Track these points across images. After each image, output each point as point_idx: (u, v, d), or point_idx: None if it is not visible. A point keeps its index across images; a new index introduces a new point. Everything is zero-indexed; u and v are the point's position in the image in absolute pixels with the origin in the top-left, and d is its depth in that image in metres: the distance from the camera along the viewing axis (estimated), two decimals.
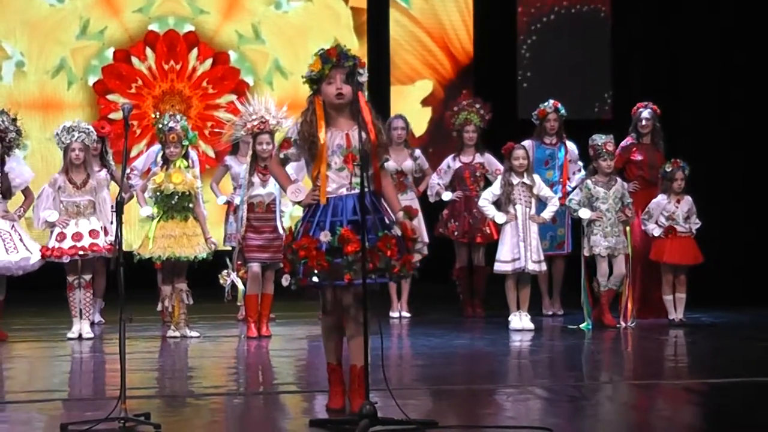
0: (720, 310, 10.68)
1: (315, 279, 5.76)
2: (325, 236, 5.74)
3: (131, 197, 9.84)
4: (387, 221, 5.86)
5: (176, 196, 9.10)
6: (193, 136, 9.38)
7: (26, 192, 9.36)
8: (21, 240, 9.10)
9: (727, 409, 6.18)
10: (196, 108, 13.40)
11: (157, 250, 9.06)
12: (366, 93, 6.05)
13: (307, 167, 6.02)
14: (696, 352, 8.68)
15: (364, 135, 5.73)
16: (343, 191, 5.85)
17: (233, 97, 12.82)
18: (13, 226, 9.15)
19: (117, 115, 12.87)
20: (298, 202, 5.96)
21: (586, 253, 9.78)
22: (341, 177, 5.87)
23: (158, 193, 9.12)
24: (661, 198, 9.96)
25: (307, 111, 5.96)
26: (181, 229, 9.11)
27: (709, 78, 12.30)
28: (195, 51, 13.43)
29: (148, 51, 13.36)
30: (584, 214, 9.74)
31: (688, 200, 9.97)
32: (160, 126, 9.20)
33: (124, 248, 5.78)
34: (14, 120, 9.29)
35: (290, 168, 6.23)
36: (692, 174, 9.98)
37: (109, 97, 13.25)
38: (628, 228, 9.83)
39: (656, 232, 9.92)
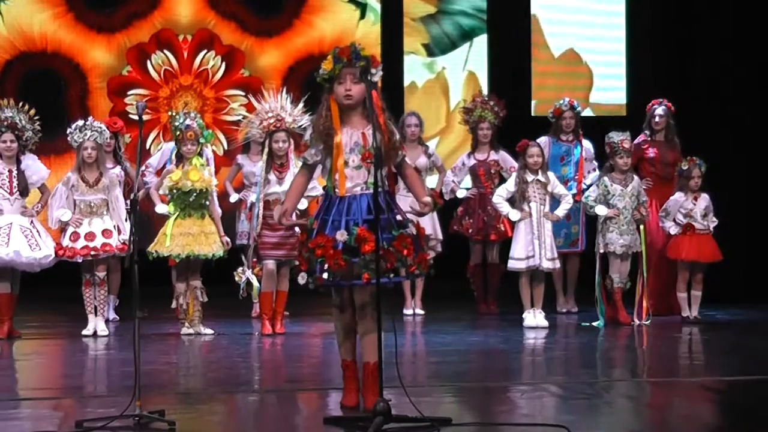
0: (735, 308, 10.65)
1: (333, 278, 5.77)
2: (341, 235, 5.74)
3: (146, 193, 9.87)
4: (401, 219, 5.85)
5: (193, 194, 9.11)
6: (209, 134, 9.39)
7: (42, 188, 9.42)
8: (40, 235, 9.17)
9: (744, 407, 6.16)
10: (211, 105, 13.41)
11: (176, 248, 9.06)
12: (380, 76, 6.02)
13: (322, 165, 6.01)
14: (711, 350, 8.66)
15: (378, 135, 5.74)
16: (358, 190, 5.86)
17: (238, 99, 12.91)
18: (31, 221, 9.22)
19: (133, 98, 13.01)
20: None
21: (601, 250, 9.77)
22: (358, 175, 5.87)
23: (175, 191, 9.12)
24: (678, 195, 9.93)
25: (321, 107, 5.97)
26: (199, 227, 9.12)
27: (725, 75, 12.24)
28: (209, 50, 13.44)
29: (166, 46, 13.40)
30: (601, 210, 9.73)
31: (705, 197, 9.94)
32: (177, 124, 9.21)
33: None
34: (31, 119, 9.33)
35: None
36: (709, 171, 9.95)
37: (127, 100, 13.28)
38: (642, 226, 9.81)
39: (673, 230, 9.91)
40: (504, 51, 13.71)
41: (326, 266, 5.75)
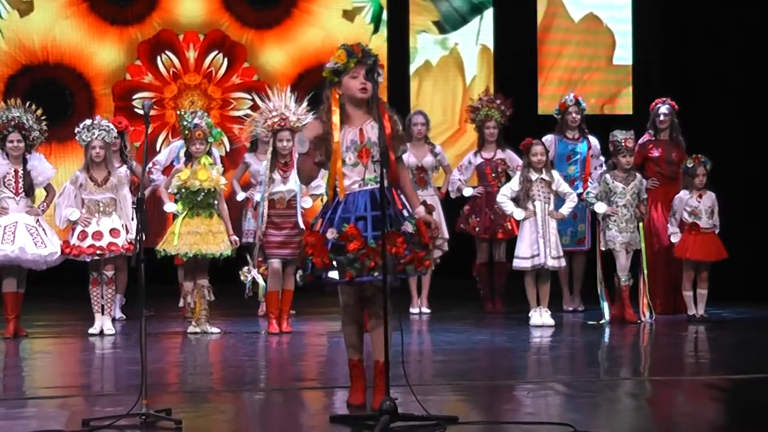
0: (741, 306, 10.64)
1: (319, 275, 5.79)
2: (331, 233, 5.77)
3: (152, 191, 9.89)
4: (401, 216, 5.83)
5: (202, 193, 9.11)
6: (218, 133, 9.40)
7: (48, 188, 9.44)
8: (45, 234, 9.19)
9: (750, 405, 6.16)
10: (217, 102, 13.41)
11: (184, 247, 9.07)
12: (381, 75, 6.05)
13: (324, 163, 6.01)
14: (717, 348, 8.65)
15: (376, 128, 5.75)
16: (355, 187, 5.87)
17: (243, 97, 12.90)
18: (37, 220, 9.24)
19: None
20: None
21: (602, 247, 9.78)
22: (354, 173, 5.88)
23: (183, 190, 9.13)
24: (683, 194, 9.93)
25: (323, 107, 5.96)
26: (207, 226, 9.13)
27: (728, 74, 12.23)
28: (220, 51, 13.45)
29: (168, 47, 13.41)
30: (600, 208, 9.74)
31: (710, 195, 9.93)
32: (185, 123, 9.22)
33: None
34: (38, 119, 9.35)
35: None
36: (714, 169, 9.95)
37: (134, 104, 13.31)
38: (641, 224, 9.83)
39: (674, 238, 9.92)
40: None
41: (315, 264, 5.78)
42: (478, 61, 13.80)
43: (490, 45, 13.82)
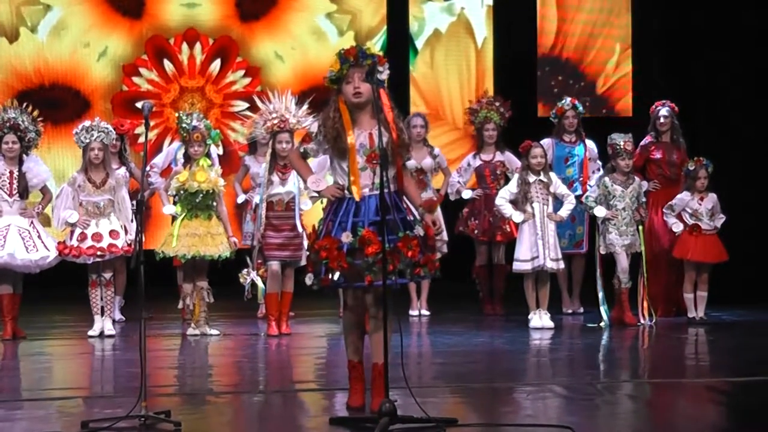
0: (741, 308, 10.64)
1: (335, 279, 5.77)
2: (346, 237, 5.76)
3: (152, 194, 9.89)
4: (410, 220, 5.85)
5: (200, 195, 9.11)
6: (216, 134, 9.40)
7: (44, 190, 9.42)
8: (39, 237, 9.17)
9: (750, 408, 6.16)
10: (217, 104, 13.40)
11: (182, 249, 9.06)
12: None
13: (331, 164, 6.00)
14: (717, 351, 8.65)
15: (385, 134, 5.74)
16: (366, 191, 5.86)
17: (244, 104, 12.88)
18: (31, 223, 9.21)
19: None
20: (319, 193, 6.01)
21: (602, 251, 9.78)
22: (364, 177, 5.87)
23: (182, 192, 9.13)
24: (684, 194, 9.93)
25: (329, 108, 5.96)
26: (206, 227, 9.12)
27: (729, 74, 12.24)
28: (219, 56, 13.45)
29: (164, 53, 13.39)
30: (599, 212, 9.74)
31: (712, 197, 9.93)
32: (184, 125, 9.22)
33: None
34: (34, 120, 9.34)
35: (312, 163, 6.25)
36: (715, 170, 9.94)
37: (135, 79, 13.28)
38: (641, 227, 9.83)
39: (676, 227, 9.90)
40: None
41: (330, 268, 5.77)
42: (487, 22, 13.72)
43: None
